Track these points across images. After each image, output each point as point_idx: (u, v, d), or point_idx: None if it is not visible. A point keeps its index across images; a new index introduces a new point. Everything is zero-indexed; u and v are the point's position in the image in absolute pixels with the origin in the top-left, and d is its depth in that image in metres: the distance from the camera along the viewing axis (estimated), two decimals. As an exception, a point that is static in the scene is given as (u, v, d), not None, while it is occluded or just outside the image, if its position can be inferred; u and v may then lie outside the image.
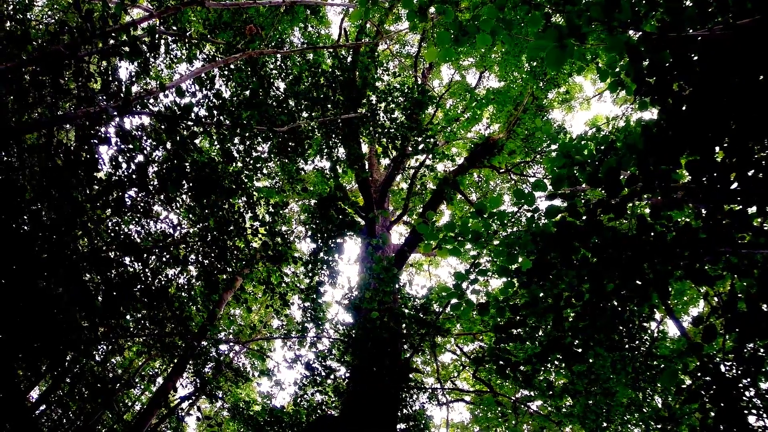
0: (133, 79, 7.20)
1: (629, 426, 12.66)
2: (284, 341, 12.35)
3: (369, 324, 8.82)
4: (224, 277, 9.25)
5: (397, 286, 10.06)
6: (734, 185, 3.16)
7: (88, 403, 12.80)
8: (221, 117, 6.87)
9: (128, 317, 7.66)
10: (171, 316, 7.72)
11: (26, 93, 5.61)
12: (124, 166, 5.97)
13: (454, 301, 4.77)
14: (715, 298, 12.79)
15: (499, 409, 15.77)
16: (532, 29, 3.66)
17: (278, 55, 11.62)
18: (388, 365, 8.76)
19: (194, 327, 11.04)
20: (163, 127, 6.21)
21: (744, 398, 4.82)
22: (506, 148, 15.63)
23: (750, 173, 3.21)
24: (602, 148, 5.69)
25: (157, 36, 7.74)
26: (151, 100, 7.15)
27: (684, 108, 3.29)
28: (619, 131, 7.34)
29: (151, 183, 6.66)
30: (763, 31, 2.81)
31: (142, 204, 6.94)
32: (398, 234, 23.84)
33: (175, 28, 10.36)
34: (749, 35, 2.89)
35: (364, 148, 14.98)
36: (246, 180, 7.99)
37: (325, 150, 11.96)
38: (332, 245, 9.31)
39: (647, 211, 5.36)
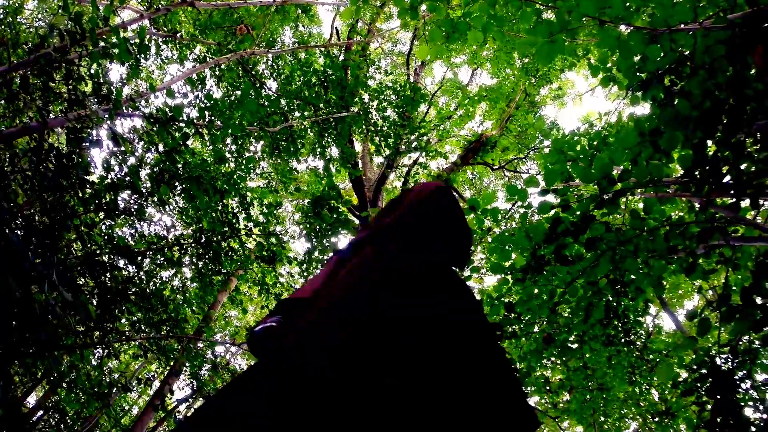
0: (124, 81, 7.17)
1: (626, 420, 12.69)
2: (280, 342, 12.26)
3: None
4: (219, 278, 9.22)
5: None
6: (727, 178, 3.16)
7: (85, 408, 12.74)
8: (213, 118, 6.85)
9: (123, 320, 7.63)
10: (166, 319, 7.69)
11: (16, 97, 5.57)
12: (116, 168, 5.94)
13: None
14: (710, 292, 12.84)
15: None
16: (523, 25, 3.66)
17: (269, 55, 11.60)
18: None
19: (190, 329, 11.00)
20: (154, 129, 6.18)
21: (740, 390, 4.84)
22: (499, 144, 15.65)
23: (742, 166, 3.22)
24: (595, 143, 5.70)
25: (147, 37, 7.70)
26: (143, 102, 7.12)
27: (675, 102, 3.29)
28: (612, 126, 7.36)
29: (144, 185, 6.63)
30: (755, 25, 2.82)
31: (135, 206, 6.90)
32: (393, 232, 23.77)
33: (165, 29, 10.32)
34: (741, 29, 2.89)
35: (357, 147, 14.98)
36: (239, 180, 7.97)
37: (318, 149, 11.94)
38: (326, 244, 9.29)
39: (640, 205, 5.37)
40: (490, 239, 4.49)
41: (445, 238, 1.72)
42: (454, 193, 1.79)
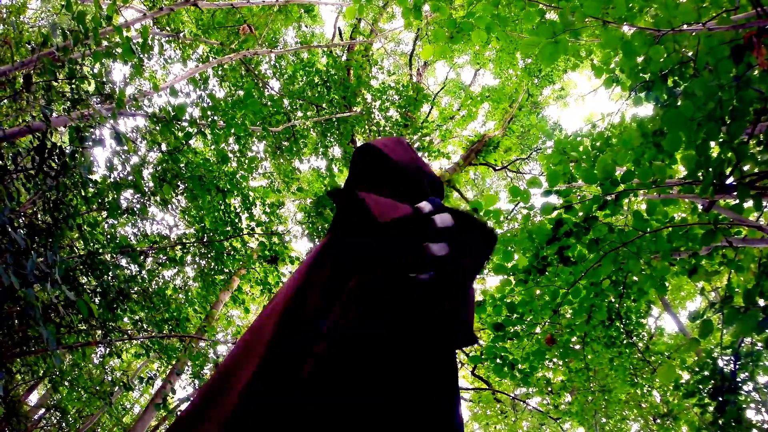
0: (127, 81, 7.17)
1: (628, 422, 12.68)
2: (282, 341, 12.24)
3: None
4: (221, 277, 9.23)
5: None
6: (730, 180, 3.16)
7: (86, 407, 12.75)
8: (215, 117, 6.85)
9: (125, 319, 7.64)
10: (168, 318, 7.70)
11: (19, 95, 5.59)
12: (119, 167, 5.95)
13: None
14: (712, 293, 12.82)
15: (498, 406, 15.79)
16: (526, 26, 3.66)
17: (272, 55, 11.61)
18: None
19: (192, 328, 11.00)
20: (157, 128, 6.18)
21: (742, 393, 4.83)
22: (502, 145, 15.64)
23: (746, 168, 3.21)
24: (598, 144, 5.69)
25: (150, 37, 7.70)
26: (146, 101, 7.12)
27: (679, 103, 3.29)
28: (615, 127, 7.36)
29: (147, 184, 6.63)
30: (759, 26, 2.81)
31: (137, 206, 6.91)
32: (395, 233, 23.74)
33: (168, 28, 10.33)
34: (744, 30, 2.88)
35: (360, 147, 14.98)
36: (241, 180, 7.97)
37: (321, 149, 11.95)
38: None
39: (643, 206, 5.37)
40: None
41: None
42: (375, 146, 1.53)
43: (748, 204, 3.40)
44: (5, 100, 6.30)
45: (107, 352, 7.26)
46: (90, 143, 5.01)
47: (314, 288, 1.26)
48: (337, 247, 1.33)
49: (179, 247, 8.06)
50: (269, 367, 1.10)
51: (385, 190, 1.46)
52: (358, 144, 14.13)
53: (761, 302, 3.14)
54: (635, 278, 4.60)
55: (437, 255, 1.15)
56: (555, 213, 3.89)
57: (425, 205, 1.23)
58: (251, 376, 1.08)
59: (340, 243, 1.34)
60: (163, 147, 6.45)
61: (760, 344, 4.72)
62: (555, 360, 8.17)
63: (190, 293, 9.98)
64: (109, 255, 6.68)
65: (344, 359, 1.09)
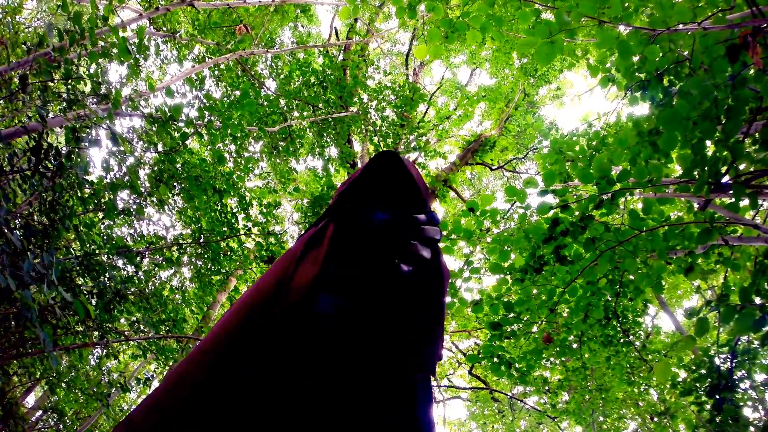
0: (124, 81, 7.16)
1: (625, 420, 12.68)
2: (279, 341, 12.21)
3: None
4: (218, 278, 9.21)
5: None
6: (725, 178, 3.17)
7: (84, 408, 12.72)
8: (212, 117, 6.85)
9: (122, 320, 7.62)
10: (165, 319, 7.69)
11: (15, 96, 5.57)
12: (115, 168, 5.94)
13: (447, 299, 4.76)
14: (709, 292, 12.85)
15: (496, 405, 15.81)
16: (522, 25, 3.66)
17: (268, 55, 11.61)
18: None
19: (189, 329, 10.98)
20: (153, 128, 6.17)
21: (739, 390, 4.85)
22: (498, 144, 15.64)
23: (741, 166, 3.22)
24: (594, 143, 5.69)
25: (146, 37, 7.69)
26: (142, 102, 7.11)
27: (674, 102, 3.29)
28: (611, 127, 7.36)
29: (143, 185, 6.62)
30: (754, 25, 2.82)
31: (134, 206, 6.90)
32: (392, 232, 23.72)
33: (165, 29, 10.31)
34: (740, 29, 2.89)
35: (357, 147, 14.98)
36: (238, 180, 7.97)
37: (317, 149, 11.94)
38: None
39: (639, 205, 5.37)
40: (489, 240, 4.49)
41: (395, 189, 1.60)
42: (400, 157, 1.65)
43: (744, 202, 3.41)
44: (1, 101, 6.28)
45: (104, 353, 7.24)
46: (86, 144, 4.99)
47: (306, 263, 1.30)
48: (337, 238, 1.38)
49: (176, 247, 8.04)
50: (239, 339, 1.15)
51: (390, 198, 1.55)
52: (355, 144, 14.14)
53: (757, 300, 3.15)
54: (632, 277, 4.61)
55: (422, 255, 1.25)
56: (551, 212, 3.90)
57: (422, 217, 1.33)
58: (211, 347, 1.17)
59: (340, 236, 1.39)
60: (160, 147, 6.44)
61: (756, 342, 4.74)
62: (552, 359, 8.18)
63: (186, 294, 9.97)
64: (106, 256, 6.67)
65: (344, 344, 1.13)
